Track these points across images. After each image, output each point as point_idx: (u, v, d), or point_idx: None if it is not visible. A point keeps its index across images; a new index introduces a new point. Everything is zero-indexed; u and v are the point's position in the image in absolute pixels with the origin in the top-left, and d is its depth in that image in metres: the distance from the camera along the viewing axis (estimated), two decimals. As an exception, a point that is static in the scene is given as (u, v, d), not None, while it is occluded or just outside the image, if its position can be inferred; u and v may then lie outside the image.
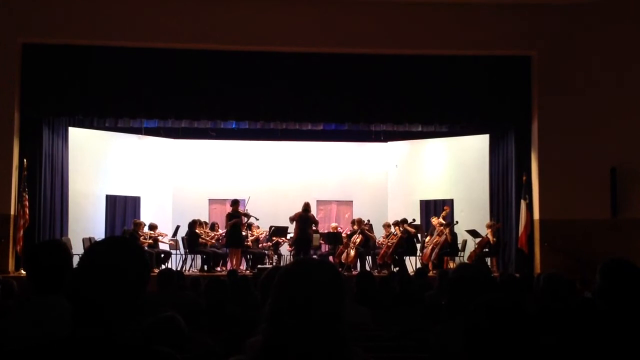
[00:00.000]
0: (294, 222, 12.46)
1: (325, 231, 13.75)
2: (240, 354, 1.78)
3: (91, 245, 1.75)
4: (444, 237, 12.59)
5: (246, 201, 12.96)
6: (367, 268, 12.60)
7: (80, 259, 1.70)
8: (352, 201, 15.64)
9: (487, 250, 12.47)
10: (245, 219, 12.83)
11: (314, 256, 12.46)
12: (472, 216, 13.38)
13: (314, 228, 12.74)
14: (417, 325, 5.10)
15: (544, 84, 12.05)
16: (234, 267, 12.12)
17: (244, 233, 12.80)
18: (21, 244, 11.21)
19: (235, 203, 12.73)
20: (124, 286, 1.64)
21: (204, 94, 11.93)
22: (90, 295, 1.62)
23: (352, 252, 12.72)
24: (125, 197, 14.31)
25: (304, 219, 12.37)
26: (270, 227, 13.13)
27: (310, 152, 15.64)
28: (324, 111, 12.28)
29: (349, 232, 13.41)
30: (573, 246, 11.46)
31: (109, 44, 11.67)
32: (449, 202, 14.08)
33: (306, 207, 12.53)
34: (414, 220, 13.12)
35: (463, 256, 12.83)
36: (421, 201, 14.82)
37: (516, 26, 11.95)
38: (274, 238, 13.32)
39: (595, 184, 11.60)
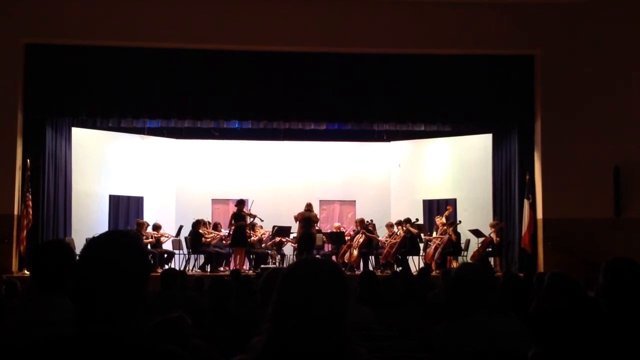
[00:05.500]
0: (298, 222, 12.49)
1: (328, 231, 13.76)
2: (243, 354, 1.78)
3: (90, 240, 1.73)
4: (447, 236, 12.58)
5: (249, 205, 12.99)
6: (370, 268, 12.60)
7: (80, 253, 1.69)
8: (355, 201, 15.62)
9: (490, 249, 12.45)
10: (250, 219, 12.85)
11: (317, 256, 12.46)
12: (475, 216, 13.36)
13: (316, 227, 12.77)
14: (420, 325, 5.10)
15: (547, 83, 12.03)
16: (238, 266, 12.14)
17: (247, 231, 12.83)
18: (24, 244, 11.23)
19: (240, 203, 12.74)
20: (124, 279, 1.63)
21: (206, 94, 11.94)
22: (90, 290, 1.61)
23: (355, 252, 12.71)
24: (129, 197, 14.33)
25: (307, 218, 12.39)
26: (274, 227, 13.14)
27: (313, 151, 15.63)
28: (327, 111, 12.29)
29: (352, 232, 13.42)
30: (576, 245, 11.45)
31: (112, 44, 11.68)
32: (452, 202, 14.07)
33: (309, 207, 12.57)
34: (417, 220, 13.11)
35: (466, 256, 12.81)
36: (424, 201, 14.80)
37: (519, 25, 11.93)
38: (277, 238, 13.32)
39: (598, 183, 11.59)
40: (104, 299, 1.61)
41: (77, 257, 1.71)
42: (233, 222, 12.63)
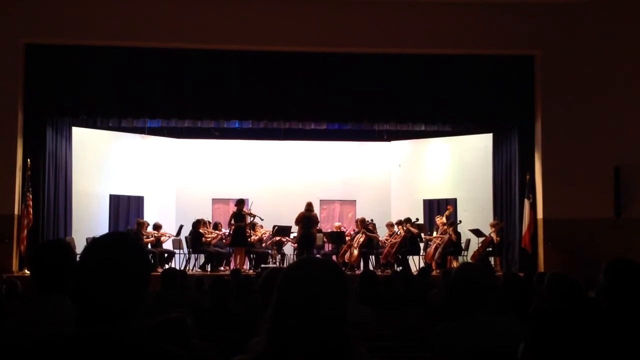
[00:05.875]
0: (298, 223, 12.48)
1: (329, 231, 13.76)
2: (243, 354, 1.78)
3: (91, 241, 1.74)
4: (447, 236, 12.58)
5: (249, 205, 13.02)
6: (371, 267, 12.60)
7: (81, 254, 1.70)
8: (355, 201, 15.63)
9: (490, 249, 12.45)
10: (250, 218, 12.86)
11: (317, 256, 12.47)
12: (476, 215, 13.36)
13: (317, 227, 12.78)
14: (420, 324, 5.11)
15: (548, 83, 12.02)
16: (238, 266, 12.14)
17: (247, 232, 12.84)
18: (25, 244, 11.23)
19: (240, 203, 12.76)
20: (124, 280, 1.64)
21: (207, 93, 11.93)
22: (91, 291, 1.62)
23: (355, 252, 12.72)
24: (129, 197, 14.33)
25: (307, 218, 12.38)
26: (274, 226, 13.15)
27: (313, 151, 15.63)
28: (327, 110, 12.28)
29: (352, 232, 13.42)
30: (576, 246, 11.44)
31: (112, 43, 11.68)
32: (452, 202, 14.07)
33: (309, 206, 12.55)
34: (417, 219, 13.12)
35: (466, 255, 12.81)
36: (424, 200, 14.80)
37: (520, 25, 11.92)
38: (277, 237, 13.33)
39: (599, 183, 11.58)
40: (104, 300, 1.62)
41: (78, 259, 1.71)
42: (233, 221, 12.64)
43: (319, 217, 13.43)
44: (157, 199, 14.80)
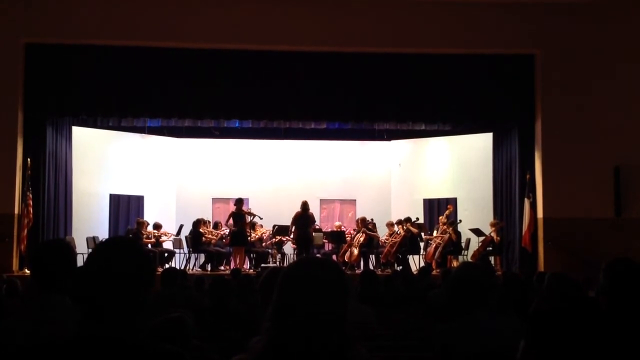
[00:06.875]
0: (294, 222, 12.43)
1: (329, 230, 13.76)
2: (244, 353, 1.79)
3: (96, 246, 1.76)
4: (447, 235, 12.58)
5: (247, 205, 13.02)
6: (371, 267, 12.60)
7: (86, 259, 1.71)
8: (355, 200, 15.63)
9: (490, 249, 12.45)
10: (250, 218, 12.86)
11: (317, 255, 12.46)
12: (476, 215, 13.36)
13: (316, 227, 12.75)
14: (420, 324, 5.11)
15: (548, 83, 12.02)
16: (238, 266, 12.14)
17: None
18: (25, 243, 11.23)
19: (239, 202, 12.75)
20: (127, 287, 1.65)
21: (207, 93, 11.92)
22: (92, 292, 1.63)
23: (356, 251, 12.72)
24: (129, 196, 14.33)
25: (304, 217, 12.36)
26: (274, 226, 13.14)
27: (313, 151, 15.63)
28: (327, 110, 12.28)
29: (352, 231, 13.42)
30: (576, 245, 11.45)
31: (113, 43, 11.67)
32: (453, 201, 14.06)
33: (305, 205, 12.50)
34: (417, 219, 13.12)
35: (466, 255, 12.81)
36: (424, 200, 14.81)
37: (520, 25, 11.92)
38: (278, 237, 13.32)
39: (599, 183, 11.58)
40: (105, 301, 1.63)
41: (83, 263, 1.73)
42: (230, 221, 12.63)
43: (316, 216, 13.37)
44: (157, 199, 14.80)
